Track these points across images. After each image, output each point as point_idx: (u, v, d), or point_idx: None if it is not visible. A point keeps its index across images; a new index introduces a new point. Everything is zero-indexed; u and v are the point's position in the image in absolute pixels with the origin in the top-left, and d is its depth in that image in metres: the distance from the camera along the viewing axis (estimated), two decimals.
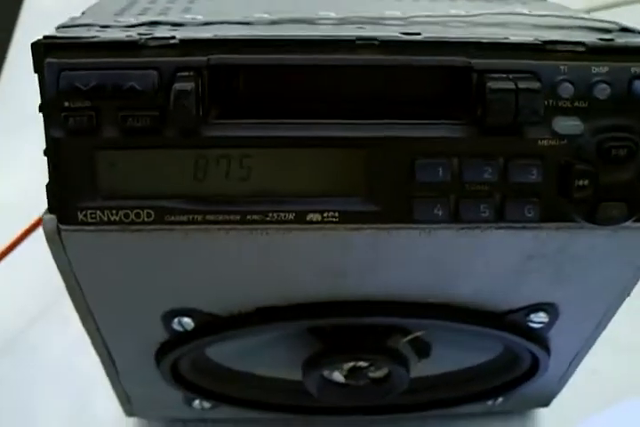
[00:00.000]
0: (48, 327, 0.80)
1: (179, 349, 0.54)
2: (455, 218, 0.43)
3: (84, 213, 0.43)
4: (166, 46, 0.42)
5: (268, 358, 0.60)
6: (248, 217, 0.43)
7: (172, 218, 0.43)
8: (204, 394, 0.62)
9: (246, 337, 0.55)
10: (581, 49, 0.43)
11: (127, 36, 0.42)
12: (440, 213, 0.43)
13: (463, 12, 0.48)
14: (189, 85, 0.40)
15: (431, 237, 0.45)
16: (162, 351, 0.54)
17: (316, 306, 0.51)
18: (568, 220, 0.44)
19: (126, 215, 0.43)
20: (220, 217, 0.43)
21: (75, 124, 0.41)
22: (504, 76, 0.41)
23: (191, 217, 0.43)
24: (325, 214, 0.43)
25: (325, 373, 0.58)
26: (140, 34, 0.42)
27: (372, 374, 0.58)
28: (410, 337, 0.56)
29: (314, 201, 0.44)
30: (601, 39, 0.43)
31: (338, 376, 0.58)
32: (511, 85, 0.40)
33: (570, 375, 0.62)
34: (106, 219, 0.43)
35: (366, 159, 0.43)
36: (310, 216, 0.43)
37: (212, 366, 0.60)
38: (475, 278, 0.49)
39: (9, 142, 0.96)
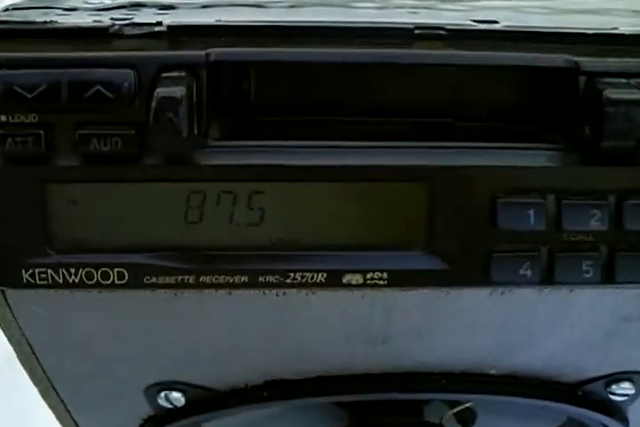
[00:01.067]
0: None
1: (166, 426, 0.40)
2: (547, 279, 0.31)
3: (30, 271, 0.30)
4: (149, 35, 0.29)
5: None
6: (260, 279, 0.30)
7: (154, 280, 0.30)
8: None
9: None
10: None
11: (95, 22, 0.28)
12: (528, 273, 0.30)
13: None
14: (179, 91, 0.27)
15: (505, 298, 0.33)
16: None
17: (344, 380, 0.38)
18: None
19: (89, 276, 0.30)
20: (220, 279, 0.30)
21: (16, 146, 0.28)
22: (623, 81, 0.28)
23: (180, 278, 0.30)
24: (369, 275, 0.31)
25: None
26: (113, 19, 0.29)
27: None
28: (457, 409, 0.42)
29: (353, 257, 0.31)
30: None
31: None
32: (637, 95, 0.26)
33: None
34: (61, 281, 0.30)
35: (427, 198, 0.30)
36: (348, 278, 0.30)
37: None
38: (552, 345, 0.37)
39: None
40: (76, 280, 0.30)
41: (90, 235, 0.30)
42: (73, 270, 0.30)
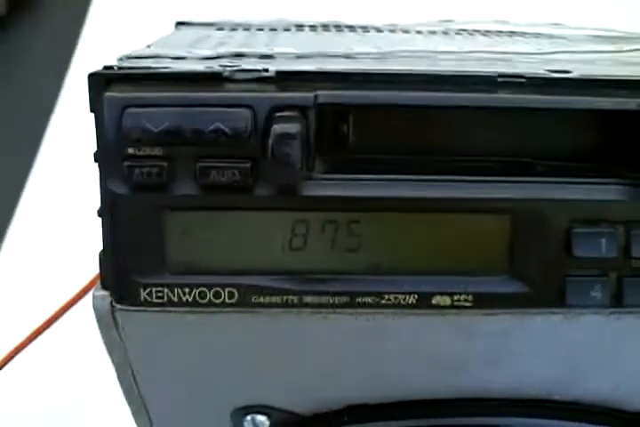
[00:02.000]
0: None
1: None
2: (617, 302, 0.33)
3: (147, 290, 0.32)
4: (259, 80, 0.32)
5: None
6: (358, 300, 0.33)
7: (261, 299, 0.33)
8: None
9: None
10: None
11: (207, 68, 0.32)
12: (598, 295, 0.33)
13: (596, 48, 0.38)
14: (294, 127, 0.30)
15: (578, 322, 0.35)
16: None
17: (424, 404, 0.40)
18: None
19: (202, 295, 0.33)
20: (323, 299, 0.32)
21: (141, 177, 0.31)
22: None
23: (285, 298, 0.33)
24: (456, 297, 0.33)
25: None
26: (222, 66, 0.32)
27: None
28: None
29: (441, 281, 0.33)
30: None
31: None
32: None
33: None
34: (176, 299, 0.33)
35: (512, 227, 0.33)
36: (437, 299, 0.33)
37: None
38: (620, 371, 0.38)
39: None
40: (190, 299, 0.33)
41: (203, 258, 0.33)
42: (187, 290, 0.33)
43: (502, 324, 0.35)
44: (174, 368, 0.38)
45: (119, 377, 0.39)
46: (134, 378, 0.39)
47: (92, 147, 0.32)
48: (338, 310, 0.34)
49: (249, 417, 0.42)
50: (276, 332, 0.35)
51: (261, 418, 0.42)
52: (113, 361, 0.38)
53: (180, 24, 0.51)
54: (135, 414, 0.42)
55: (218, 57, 0.35)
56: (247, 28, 0.48)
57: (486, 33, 0.50)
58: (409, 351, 0.37)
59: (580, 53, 0.38)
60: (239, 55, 0.35)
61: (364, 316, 0.34)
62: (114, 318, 0.35)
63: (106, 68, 0.32)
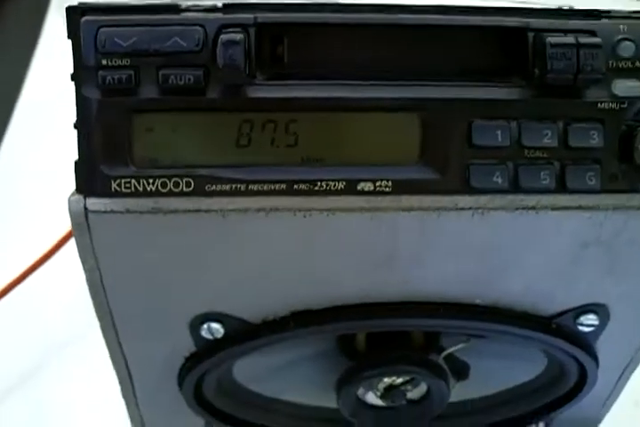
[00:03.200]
0: None
1: (206, 361, 0.47)
2: (515, 186, 0.39)
3: (117, 182, 0.38)
4: (209, 10, 0.38)
5: (298, 381, 0.53)
6: (295, 186, 0.39)
7: (213, 187, 0.38)
8: (228, 421, 0.54)
9: (275, 351, 0.48)
10: (638, 15, 0.39)
11: (166, 2, 0.38)
12: (499, 180, 0.39)
13: None
14: (238, 36, 0.36)
15: (484, 219, 0.40)
16: (187, 366, 0.48)
17: (356, 307, 0.45)
18: (631, 188, 0.40)
19: (164, 185, 0.38)
20: (265, 186, 0.39)
21: (112, 82, 0.37)
22: (562, 34, 0.38)
23: (233, 186, 0.39)
24: (378, 183, 0.39)
25: (360, 393, 0.51)
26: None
27: (409, 395, 0.51)
28: (448, 351, 0.49)
29: (365, 169, 0.39)
30: None
31: (373, 398, 0.51)
32: (572, 40, 0.37)
33: (615, 398, 0.56)
34: (141, 189, 0.38)
35: (421, 123, 0.39)
36: (362, 185, 0.39)
37: (239, 390, 0.54)
38: (527, 271, 0.44)
39: None
40: (153, 189, 0.39)
41: (164, 153, 0.39)
42: (151, 180, 0.39)
43: (419, 220, 0.41)
44: (136, 275, 0.43)
45: (89, 285, 0.44)
46: (103, 286, 0.44)
47: None
48: (279, 207, 0.40)
49: (205, 325, 0.47)
50: (224, 231, 0.40)
51: (216, 326, 0.47)
52: (84, 268, 0.43)
53: None
54: (104, 329, 0.47)
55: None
56: None
57: None
58: (342, 249, 0.42)
59: None
60: None
61: (301, 212, 0.40)
62: (87, 220, 0.40)
63: (80, 3, 0.38)
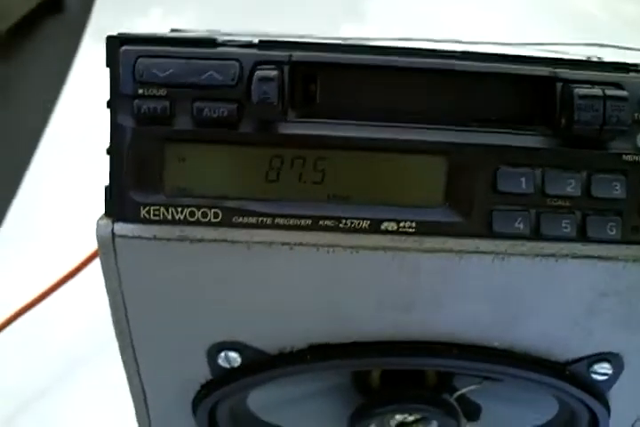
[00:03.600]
0: None
1: (222, 389, 0.48)
2: (536, 233, 0.40)
3: (147, 209, 0.39)
4: (246, 45, 0.39)
5: (311, 414, 0.54)
6: (320, 222, 0.40)
7: (241, 220, 0.39)
8: None
9: (289, 383, 0.49)
10: None
11: (206, 35, 0.40)
12: (521, 226, 0.40)
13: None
14: (272, 73, 0.37)
15: (504, 264, 0.41)
16: (202, 393, 0.48)
17: (373, 345, 0.46)
18: None
19: (192, 214, 0.39)
20: (291, 221, 0.39)
21: (148, 112, 0.38)
22: (589, 86, 0.39)
23: (260, 220, 0.39)
24: (402, 224, 0.40)
25: None
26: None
27: None
28: (461, 392, 0.50)
29: (390, 209, 0.40)
30: None
31: None
32: (599, 93, 0.38)
33: None
34: (170, 217, 0.39)
35: (448, 167, 0.40)
36: (385, 225, 0.40)
37: (252, 419, 0.54)
38: (543, 317, 0.44)
39: None
40: (182, 218, 0.40)
41: (194, 183, 0.40)
42: (180, 209, 0.40)
43: (440, 261, 0.41)
44: (159, 300, 0.44)
45: (111, 306, 0.45)
46: (125, 308, 0.44)
47: None
48: (304, 242, 0.40)
49: (222, 354, 0.47)
50: (248, 262, 0.41)
51: (234, 355, 0.47)
52: (107, 290, 0.44)
53: (174, 30, 0.60)
54: (122, 350, 0.48)
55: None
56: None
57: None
58: (363, 286, 0.43)
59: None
60: (228, 34, 0.43)
61: (325, 248, 0.41)
62: (113, 243, 0.41)
63: (120, 33, 0.40)
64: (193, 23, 1.10)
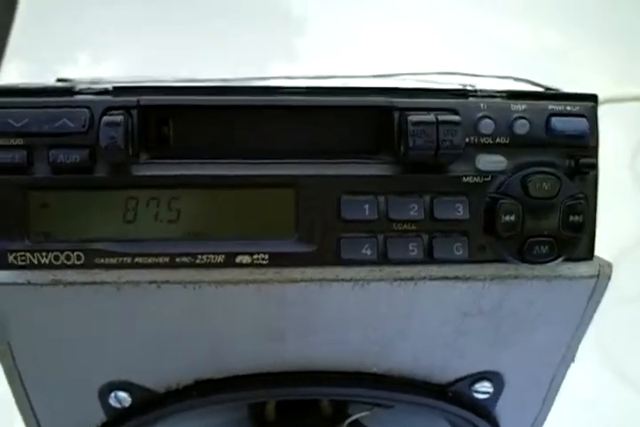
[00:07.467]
0: None
1: None
2: (384, 258, 0.41)
3: (13, 255, 0.41)
4: (100, 93, 0.41)
5: None
6: (177, 260, 0.41)
7: (102, 261, 0.41)
8: None
9: (187, 418, 0.50)
10: (502, 94, 0.42)
11: (62, 84, 0.42)
12: (368, 252, 0.41)
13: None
14: (118, 118, 0.39)
15: (364, 290, 0.43)
16: None
17: (255, 377, 0.47)
18: (498, 259, 0.42)
19: (56, 258, 0.41)
20: (150, 260, 0.41)
21: (6, 161, 0.40)
22: (425, 113, 0.40)
23: (121, 259, 0.41)
24: (255, 256, 0.41)
25: None
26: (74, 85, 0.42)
27: None
28: (350, 419, 0.51)
29: (243, 243, 0.42)
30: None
31: None
32: (432, 119, 0.40)
33: None
34: (36, 262, 0.41)
35: (295, 198, 0.41)
36: (240, 258, 0.41)
37: None
38: (413, 341, 0.46)
39: None
40: (47, 262, 0.41)
41: (57, 228, 0.41)
42: (45, 254, 0.41)
43: (303, 291, 0.43)
44: (43, 344, 0.45)
45: (1, 359, 0.46)
46: (12, 357, 0.46)
47: None
48: (170, 279, 0.42)
49: (112, 394, 0.48)
50: (119, 303, 0.43)
51: (123, 395, 0.48)
52: None
53: (60, 80, 0.62)
54: (16, 397, 0.49)
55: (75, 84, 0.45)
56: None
57: None
58: (234, 320, 0.44)
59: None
60: (95, 82, 0.45)
61: (191, 285, 0.42)
62: None
63: None
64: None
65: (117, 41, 1.17)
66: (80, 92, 0.41)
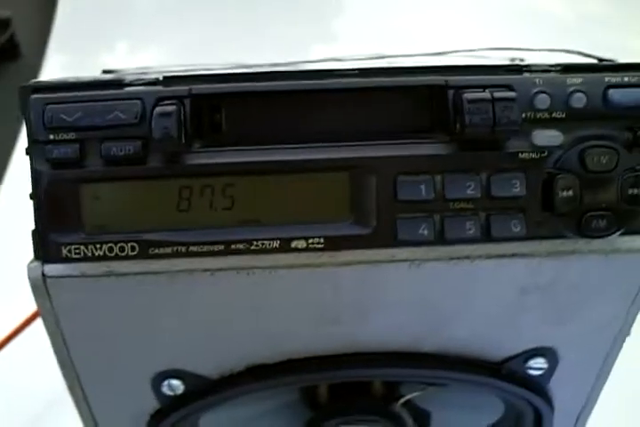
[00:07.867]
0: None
1: (169, 417, 0.48)
2: (441, 238, 0.41)
3: (67, 248, 0.40)
4: (150, 83, 0.41)
5: None
6: (232, 246, 0.41)
7: (157, 251, 0.41)
8: None
9: (240, 404, 0.50)
10: (557, 68, 0.42)
11: (112, 77, 0.41)
12: (425, 232, 0.41)
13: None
14: (171, 108, 0.39)
15: (420, 270, 0.42)
16: (153, 423, 0.49)
17: (309, 360, 0.47)
18: (556, 235, 0.41)
19: (110, 249, 0.40)
20: (204, 248, 0.41)
21: (60, 155, 0.39)
22: (480, 90, 0.40)
23: (175, 249, 0.41)
24: (311, 241, 0.41)
25: None
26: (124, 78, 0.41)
27: None
28: (404, 399, 0.51)
29: (298, 228, 0.41)
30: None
31: None
32: (487, 96, 0.39)
33: None
34: (90, 254, 0.40)
35: (350, 181, 0.41)
36: (295, 243, 0.41)
37: None
38: (470, 319, 0.45)
39: None
40: (101, 253, 0.41)
41: (110, 220, 0.41)
42: (98, 246, 0.41)
43: (358, 274, 0.42)
44: (97, 335, 0.45)
45: (54, 348, 0.46)
46: (67, 348, 0.45)
47: None
48: (223, 266, 0.42)
49: (166, 382, 0.48)
50: (173, 292, 0.42)
51: (176, 382, 0.48)
52: (47, 331, 0.45)
53: (106, 72, 0.61)
54: (71, 389, 0.49)
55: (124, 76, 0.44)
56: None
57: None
58: (287, 304, 0.44)
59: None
60: (142, 72, 0.44)
61: (244, 271, 0.42)
62: (45, 285, 0.42)
63: (33, 81, 0.41)
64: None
65: (157, 30, 1.16)
66: (130, 84, 0.41)
